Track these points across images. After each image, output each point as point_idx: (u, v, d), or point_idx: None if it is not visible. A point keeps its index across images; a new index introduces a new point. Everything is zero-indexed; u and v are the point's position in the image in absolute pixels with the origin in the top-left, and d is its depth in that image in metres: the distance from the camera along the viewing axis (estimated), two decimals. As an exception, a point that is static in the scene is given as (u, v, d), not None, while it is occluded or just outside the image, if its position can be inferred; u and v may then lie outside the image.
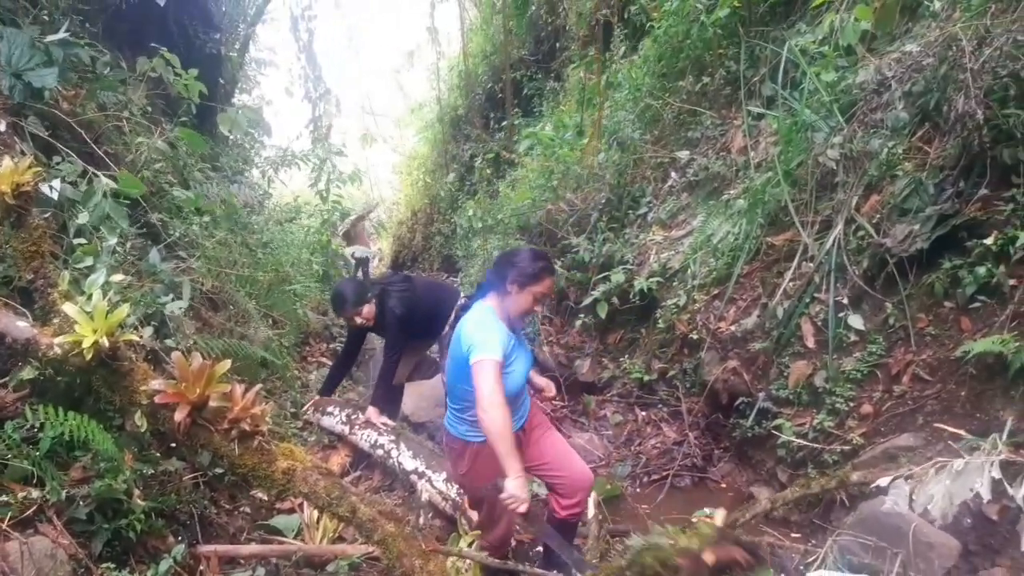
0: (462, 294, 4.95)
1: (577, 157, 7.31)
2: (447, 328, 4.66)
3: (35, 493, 2.46)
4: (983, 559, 2.86)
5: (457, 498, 3.81)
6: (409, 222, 15.90)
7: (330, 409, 4.87)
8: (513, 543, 3.37)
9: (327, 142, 9.81)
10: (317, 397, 5.14)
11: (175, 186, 4.69)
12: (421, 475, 4.08)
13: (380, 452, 4.38)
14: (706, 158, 6.00)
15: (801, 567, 3.07)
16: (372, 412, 4.52)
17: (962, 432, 2.01)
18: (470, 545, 3.28)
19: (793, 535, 3.56)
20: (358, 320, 4.51)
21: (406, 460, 4.21)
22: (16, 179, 2.79)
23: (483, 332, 2.69)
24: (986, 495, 1.55)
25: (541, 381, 3.32)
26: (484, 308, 2.84)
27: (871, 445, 3.60)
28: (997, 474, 1.57)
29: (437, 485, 3.97)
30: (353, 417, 4.66)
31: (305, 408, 5.08)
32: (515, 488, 2.58)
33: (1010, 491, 1.55)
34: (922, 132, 4.09)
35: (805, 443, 3.88)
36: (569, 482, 3.12)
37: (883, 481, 1.80)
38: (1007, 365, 3.10)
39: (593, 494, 3.50)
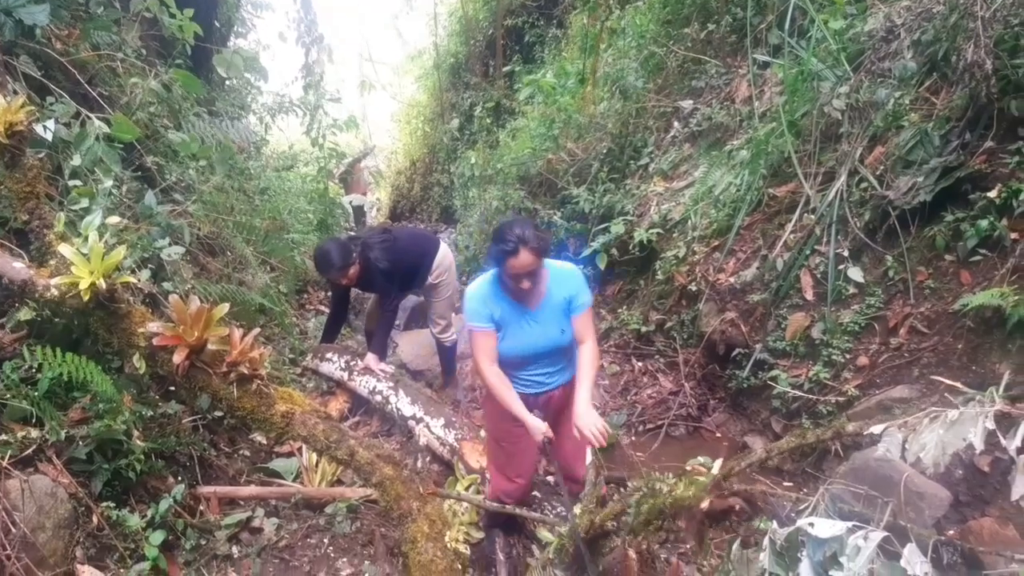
0: (442, 243, 4.92)
1: (578, 105, 7.20)
2: (430, 277, 4.68)
3: (34, 433, 2.48)
4: (973, 509, 2.90)
5: (454, 443, 3.86)
6: (408, 172, 15.73)
7: (329, 356, 4.88)
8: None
9: (321, 88, 9.62)
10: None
11: (170, 129, 4.61)
12: (419, 420, 4.12)
13: (379, 398, 4.42)
14: (709, 108, 5.92)
15: (792, 515, 3.11)
16: (371, 359, 4.55)
17: (958, 385, 2.02)
18: (467, 488, 3.33)
19: (785, 484, 3.60)
20: (343, 281, 4.51)
21: (404, 406, 4.25)
22: (9, 118, 2.76)
23: (470, 300, 2.78)
24: (979, 446, 1.55)
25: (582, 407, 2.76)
26: (489, 274, 2.84)
27: (866, 397, 3.63)
28: (992, 425, 1.57)
29: (435, 430, 4.01)
30: (352, 364, 4.69)
31: (306, 354, 5.12)
32: (533, 429, 2.74)
33: (1003, 442, 1.55)
34: (930, 82, 4.03)
35: (800, 394, 3.91)
36: (564, 473, 3.15)
37: (876, 429, 1.80)
38: (1005, 318, 3.10)
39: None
